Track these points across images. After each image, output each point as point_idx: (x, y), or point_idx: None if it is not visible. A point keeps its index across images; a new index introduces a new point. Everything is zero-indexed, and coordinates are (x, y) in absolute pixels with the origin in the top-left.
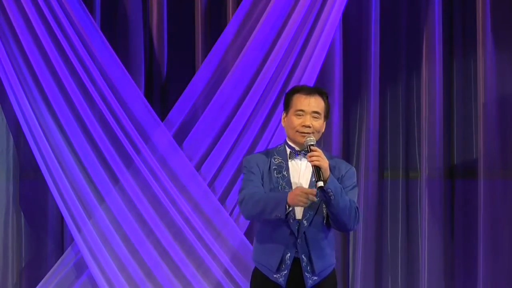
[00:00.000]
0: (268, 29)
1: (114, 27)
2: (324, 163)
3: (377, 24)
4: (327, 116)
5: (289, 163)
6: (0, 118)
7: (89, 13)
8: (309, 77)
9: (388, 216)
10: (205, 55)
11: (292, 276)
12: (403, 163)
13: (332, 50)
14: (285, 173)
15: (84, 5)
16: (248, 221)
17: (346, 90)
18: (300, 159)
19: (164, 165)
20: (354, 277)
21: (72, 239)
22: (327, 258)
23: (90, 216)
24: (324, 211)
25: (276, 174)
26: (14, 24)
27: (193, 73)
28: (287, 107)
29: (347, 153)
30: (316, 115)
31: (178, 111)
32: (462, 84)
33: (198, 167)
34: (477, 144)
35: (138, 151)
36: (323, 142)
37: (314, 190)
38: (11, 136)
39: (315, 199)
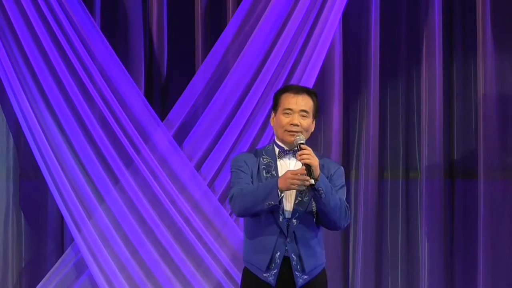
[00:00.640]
0: (268, 29)
1: (114, 27)
2: (315, 161)
3: (377, 24)
4: (316, 115)
5: (278, 162)
6: (0, 118)
7: (89, 13)
8: (309, 77)
9: (388, 216)
10: (205, 55)
11: (282, 275)
12: (403, 163)
13: (332, 50)
14: (274, 172)
15: (84, 5)
16: None
17: (346, 90)
18: (289, 158)
19: (164, 165)
20: (354, 277)
21: (72, 239)
22: (317, 257)
23: (90, 216)
24: (314, 210)
25: (265, 173)
26: (14, 24)
27: (193, 73)
28: (275, 106)
29: (347, 153)
30: (304, 113)
31: (178, 111)
32: (462, 84)
33: (198, 167)
34: (477, 144)
35: (138, 151)
36: (323, 142)
37: (304, 169)
38: (11, 136)
39: (307, 178)
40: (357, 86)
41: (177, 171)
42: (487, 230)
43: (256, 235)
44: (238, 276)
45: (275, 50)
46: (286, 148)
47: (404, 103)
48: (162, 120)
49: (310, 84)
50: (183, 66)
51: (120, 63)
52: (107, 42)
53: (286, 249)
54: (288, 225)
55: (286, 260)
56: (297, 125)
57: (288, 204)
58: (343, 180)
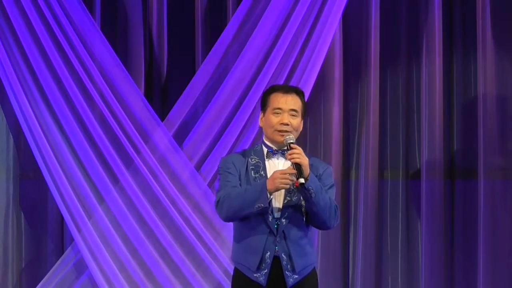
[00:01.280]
0: (268, 29)
1: (114, 27)
2: (305, 160)
3: (377, 24)
4: (304, 114)
5: (266, 162)
6: (0, 118)
7: (89, 13)
8: (309, 77)
9: (388, 216)
10: (205, 55)
11: (273, 275)
12: (403, 163)
13: (332, 50)
14: (262, 172)
15: (84, 5)
16: None
17: (346, 90)
18: (277, 158)
19: (164, 165)
20: (354, 277)
21: (72, 239)
22: (308, 257)
23: (90, 216)
24: (303, 209)
25: (254, 174)
26: (14, 24)
27: (193, 73)
28: (264, 106)
29: (347, 153)
30: (293, 113)
31: (178, 111)
32: (462, 84)
33: (198, 167)
34: (477, 144)
35: (138, 151)
36: (324, 142)
37: (292, 168)
38: (11, 136)
39: (296, 177)
40: (357, 86)
41: (177, 171)
42: (487, 230)
43: (246, 236)
44: None
45: (275, 50)
46: (274, 148)
47: (404, 103)
48: (162, 120)
49: (310, 84)
50: (183, 66)
51: (120, 63)
52: (107, 42)
53: (276, 249)
54: (277, 225)
55: (276, 260)
56: (287, 124)
57: (277, 203)
58: (332, 180)
